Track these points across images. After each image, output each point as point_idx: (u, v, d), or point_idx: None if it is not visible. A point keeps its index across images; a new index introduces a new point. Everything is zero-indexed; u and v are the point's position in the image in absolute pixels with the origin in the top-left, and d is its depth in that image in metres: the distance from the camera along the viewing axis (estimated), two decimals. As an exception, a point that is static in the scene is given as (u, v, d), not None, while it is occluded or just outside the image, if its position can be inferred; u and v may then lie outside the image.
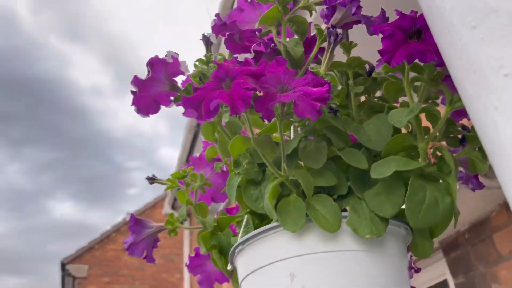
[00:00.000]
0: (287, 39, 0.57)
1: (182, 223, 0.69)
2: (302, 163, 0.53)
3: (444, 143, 0.51)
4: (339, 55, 0.60)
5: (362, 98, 0.60)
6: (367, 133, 0.53)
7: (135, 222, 0.66)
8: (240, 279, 0.53)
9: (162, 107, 0.60)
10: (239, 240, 0.52)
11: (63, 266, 9.47)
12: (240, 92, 0.42)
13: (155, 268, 10.20)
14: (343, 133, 0.53)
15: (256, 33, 0.59)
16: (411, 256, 0.69)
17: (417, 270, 0.69)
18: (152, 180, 0.71)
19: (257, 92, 0.45)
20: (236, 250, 0.53)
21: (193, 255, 0.74)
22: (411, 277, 0.68)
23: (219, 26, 0.56)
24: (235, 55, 0.56)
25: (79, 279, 9.37)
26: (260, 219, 0.56)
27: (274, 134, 0.57)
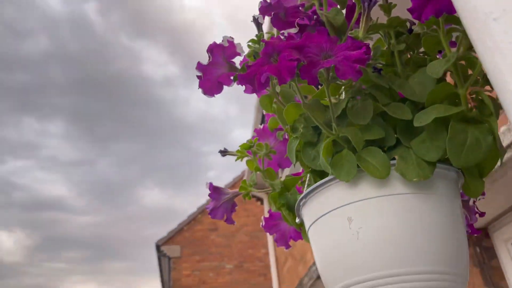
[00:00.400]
0: (329, 10, 0.62)
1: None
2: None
3: (488, 87, 0.53)
4: (382, 17, 0.64)
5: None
6: (411, 87, 0.57)
7: (214, 190, 0.76)
8: (306, 228, 0.60)
9: (226, 87, 0.69)
10: (302, 194, 0.59)
11: (158, 248, 10.27)
12: (286, 64, 0.48)
13: (241, 245, 10.68)
14: (388, 89, 0.57)
15: (300, 8, 0.65)
16: (474, 201, 0.72)
17: (481, 214, 0.72)
18: (224, 152, 0.80)
19: (303, 62, 0.51)
20: (301, 204, 0.60)
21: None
22: (475, 221, 0.71)
23: (265, 7, 0.62)
24: (282, 31, 0.62)
25: (174, 258, 10.11)
26: (320, 176, 0.62)
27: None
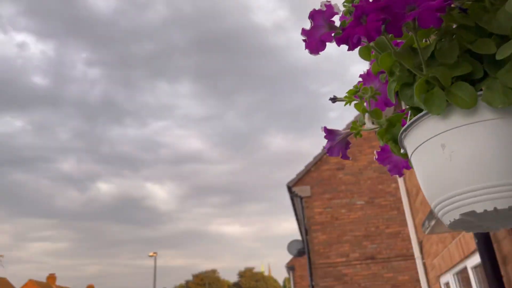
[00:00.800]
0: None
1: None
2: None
3: None
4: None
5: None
6: (498, 21, 0.61)
7: (328, 132, 0.90)
8: (409, 156, 0.71)
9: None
10: (402, 128, 0.70)
11: (289, 189, 10.88)
12: (373, 25, 0.58)
13: (370, 182, 10.70)
14: (474, 27, 0.63)
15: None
16: None
17: None
18: (334, 99, 0.93)
19: (388, 20, 0.60)
20: (402, 137, 0.71)
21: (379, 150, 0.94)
22: None
23: (354, -30, 0.71)
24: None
25: (305, 198, 10.64)
26: (419, 111, 0.72)
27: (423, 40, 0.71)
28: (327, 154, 0.91)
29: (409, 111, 0.76)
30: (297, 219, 12.58)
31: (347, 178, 10.77)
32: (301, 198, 10.75)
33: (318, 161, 11.00)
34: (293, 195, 10.95)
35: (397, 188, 9.43)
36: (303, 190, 10.70)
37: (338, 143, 0.91)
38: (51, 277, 51.55)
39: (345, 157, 0.92)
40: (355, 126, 0.89)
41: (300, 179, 10.87)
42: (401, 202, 8.05)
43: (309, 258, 10.54)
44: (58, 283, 52.39)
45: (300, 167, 11.38)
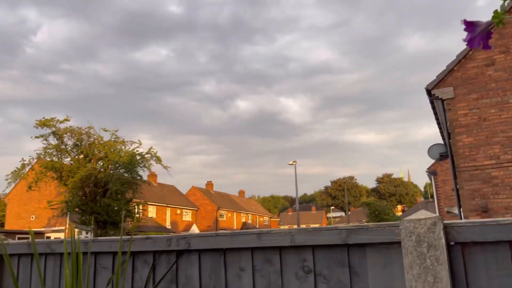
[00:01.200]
0: None
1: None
2: None
3: None
4: None
5: None
6: None
7: (468, 24, 0.94)
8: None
9: None
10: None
11: (429, 92, 10.23)
12: None
13: (528, 76, 9.40)
14: None
15: None
16: None
17: None
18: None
19: None
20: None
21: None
22: None
23: None
24: None
25: (447, 100, 9.94)
26: None
27: None
28: (467, 46, 0.95)
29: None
30: (438, 123, 11.90)
31: (498, 75, 9.60)
32: (443, 101, 10.05)
33: (462, 59, 9.96)
34: (433, 98, 10.28)
35: None
36: (445, 92, 9.94)
37: (479, 34, 0.94)
38: (209, 184, 59.25)
39: (486, 47, 0.95)
40: (496, 15, 0.91)
41: (441, 80, 10.08)
42: None
43: (452, 161, 10.10)
44: (214, 189, 59.99)
45: (441, 67, 10.47)
